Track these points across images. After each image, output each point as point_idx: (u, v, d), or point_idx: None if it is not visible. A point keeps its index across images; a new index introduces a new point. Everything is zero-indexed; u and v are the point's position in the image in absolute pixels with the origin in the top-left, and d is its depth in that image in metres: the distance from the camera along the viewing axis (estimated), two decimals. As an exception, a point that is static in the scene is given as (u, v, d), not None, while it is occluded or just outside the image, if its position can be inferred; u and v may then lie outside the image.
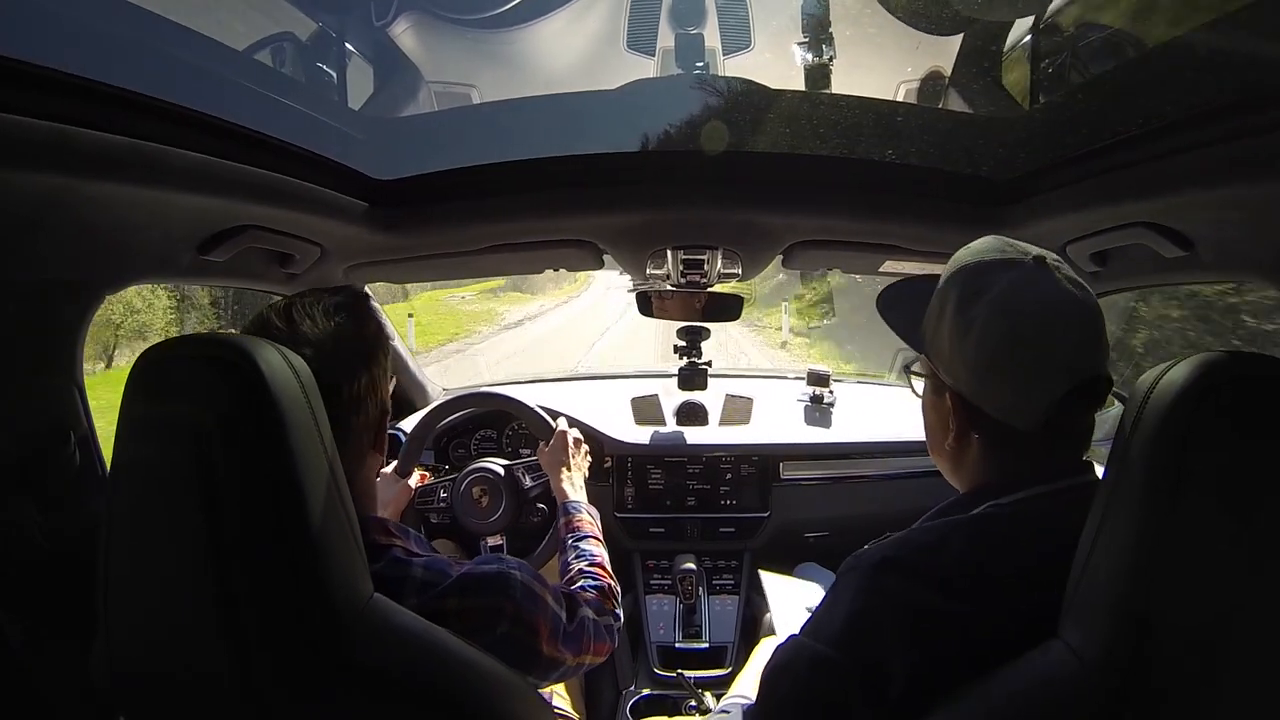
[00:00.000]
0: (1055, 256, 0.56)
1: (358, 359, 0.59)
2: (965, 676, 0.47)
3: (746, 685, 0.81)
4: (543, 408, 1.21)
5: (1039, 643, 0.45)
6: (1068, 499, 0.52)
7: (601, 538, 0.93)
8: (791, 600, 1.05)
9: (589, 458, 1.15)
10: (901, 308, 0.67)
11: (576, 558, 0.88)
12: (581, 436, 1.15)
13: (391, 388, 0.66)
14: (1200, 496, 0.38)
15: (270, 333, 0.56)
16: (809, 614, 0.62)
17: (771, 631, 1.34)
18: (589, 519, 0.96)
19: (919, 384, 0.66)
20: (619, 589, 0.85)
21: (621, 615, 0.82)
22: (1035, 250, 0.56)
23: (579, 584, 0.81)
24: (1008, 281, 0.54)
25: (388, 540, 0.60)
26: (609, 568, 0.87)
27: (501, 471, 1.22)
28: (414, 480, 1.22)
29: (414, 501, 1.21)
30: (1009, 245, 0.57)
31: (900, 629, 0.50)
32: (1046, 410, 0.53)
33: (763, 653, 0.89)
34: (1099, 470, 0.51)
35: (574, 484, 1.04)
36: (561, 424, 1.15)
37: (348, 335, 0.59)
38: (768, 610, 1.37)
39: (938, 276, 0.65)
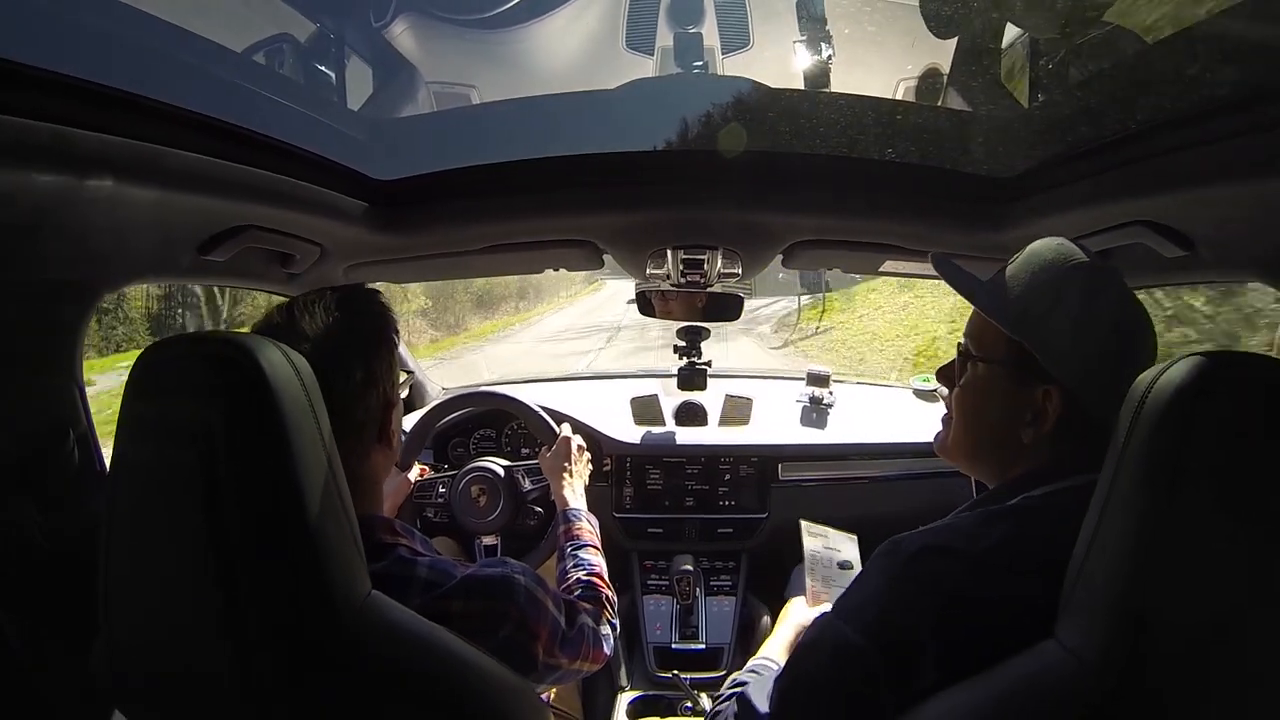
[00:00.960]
0: None
1: (354, 352, 0.59)
2: (990, 660, 0.46)
3: (775, 649, 0.81)
4: (545, 408, 1.21)
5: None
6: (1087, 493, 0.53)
7: (600, 547, 0.94)
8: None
9: (590, 465, 1.15)
10: (971, 283, 0.65)
11: (575, 566, 0.88)
12: (584, 444, 1.15)
13: (404, 383, 0.66)
14: (1197, 496, 0.38)
15: (271, 329, 0.57)
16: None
17: (769, 633, 1.34)
18: (589, 528, 0.96)
19: (974, 377, 0.63)
20: (616, 600, 0.85)
21: (618, 625, 0.82)
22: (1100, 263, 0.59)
23: (577, 593, 0.82)
24: (1118, 284, 0.57)
25: (393, 539, 0.60)
26: (607, 578, 0.87)
27: (502, 472, 1.22)
28: (413, 474, 1.22)
29: (412, 495, 1.22)
30: (1079, 251, 0.60)
31: (932, 619, 0.51)
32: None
33: (793, 612, 0.88)
34: None
35: (575, 491, 1.05)
36: (565, 430, 1.15)
37: (345, 329, 0.59)
38: (765, 612, 1.37)
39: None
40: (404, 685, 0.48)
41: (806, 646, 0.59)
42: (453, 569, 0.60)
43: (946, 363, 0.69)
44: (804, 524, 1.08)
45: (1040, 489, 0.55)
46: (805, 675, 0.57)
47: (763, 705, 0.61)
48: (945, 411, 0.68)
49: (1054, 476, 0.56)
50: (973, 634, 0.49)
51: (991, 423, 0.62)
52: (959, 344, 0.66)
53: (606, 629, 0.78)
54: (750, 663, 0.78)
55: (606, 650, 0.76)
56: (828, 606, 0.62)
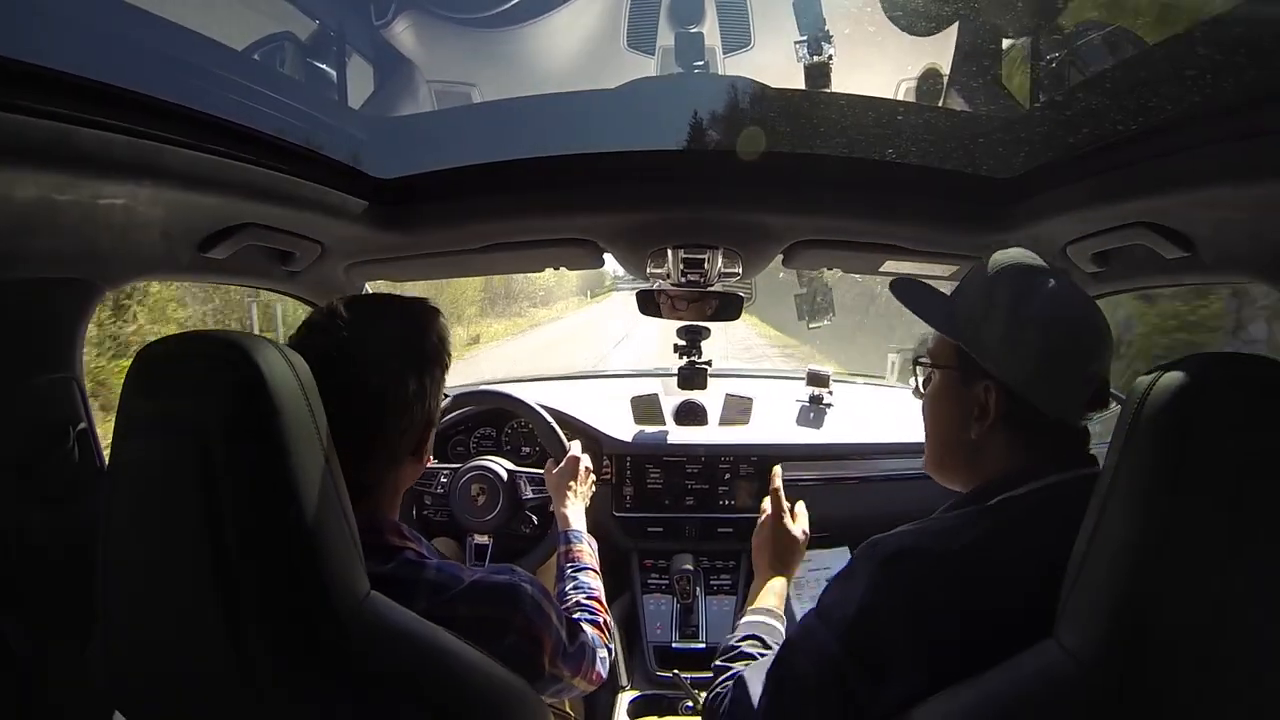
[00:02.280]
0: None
1: (411, 364, 0.60)
2: (977, 666, 0.47)
3: (770, 599, 0.81)
4: (553, 412, 1.21)
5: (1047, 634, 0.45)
6: (1079, 487, 0.53)
7: (599, 570, 0.94)
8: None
9: (594, 486, 1.15)
10: (923, 298, 0.69)
11: (575, 588, 0.88)
12: (591, 465, 1.15)
13: (445, 404, 0.67)
14: (1197, 496, 0.38)
15: (325, 328, 0.58)
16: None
17: None
18: (589, 550, 0.97)
19: (931, 386, 0.66)
20: (613, 625, 0.86)
21: (614, 649, 0.83)
22: (1054, 267, 0.60)
23: (575, 615, 0.82)
24: (1055, 284, 0.58)
25: (401, 543, 0.60)
26: (605, 602, 0.88)
27: (505, 475, 1.22)
28: None
29: (413, 483, 1.22)
30: (1033, 258, 0.61)
31: (908, 625, 0.51)
32: (1081, 405, 0.57)
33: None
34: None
35: (576, 511, 1.05)
36: (575, 448, 1.15)
37: (407, 340, 0.61)
38: None
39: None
40: (403, 685, 0.48)
41: (792, 644, 0.60)
42: (460, 573, 0.60)
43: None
44: None
45: (1022, 487, 0.56)
46: (791, 676, 0.59)
47: (756, 689, 0.62)
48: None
49: (1028, 478, 0.56)
50: (952, 639, 0.50)
51: (946, 425, 0.64)
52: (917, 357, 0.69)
53: (603, 651, 0.78)
54: (745, 620, 0.78)
55: (603, 672, 0.77)
56: None
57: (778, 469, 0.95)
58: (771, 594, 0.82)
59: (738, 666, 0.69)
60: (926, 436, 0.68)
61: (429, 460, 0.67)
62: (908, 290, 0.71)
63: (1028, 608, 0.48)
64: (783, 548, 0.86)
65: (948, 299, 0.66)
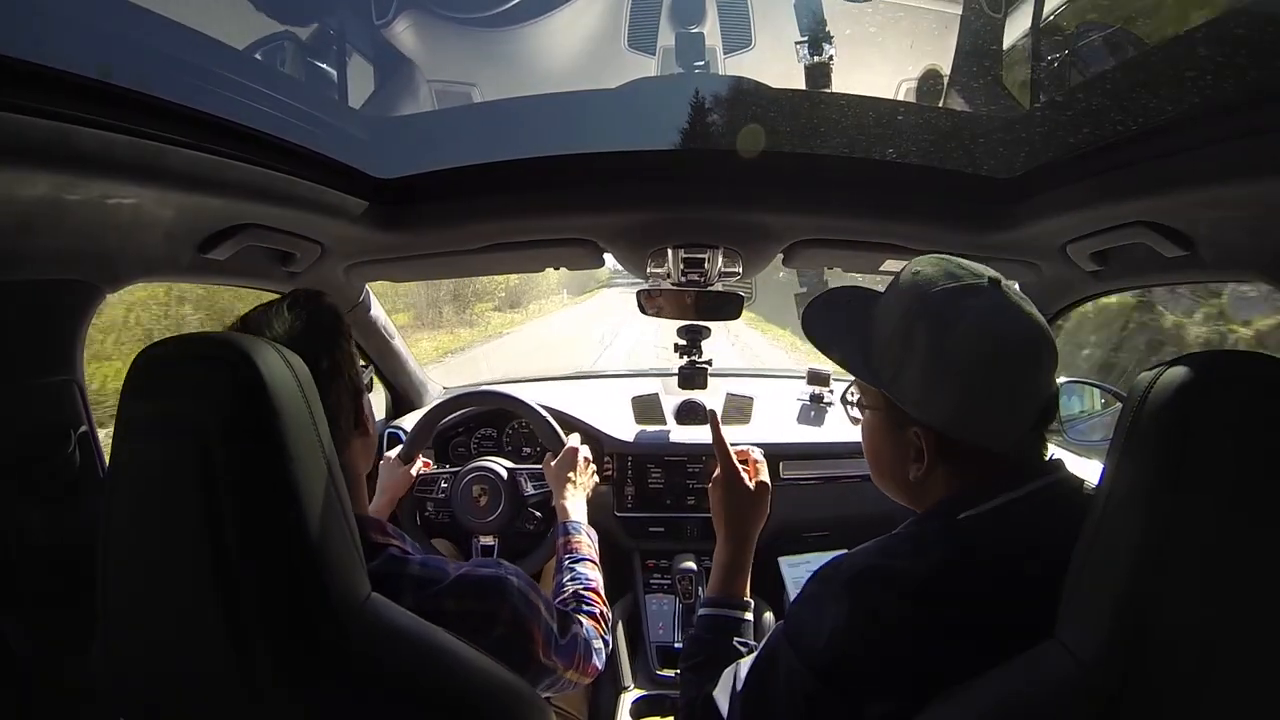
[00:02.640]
0: (998, 275, 0.56)
1: (317, 345, 0.59)
2: (950, 680, 0.47)
3: (731, 584, 0.77)
4: (552, 411, 1.21)
5: (1025, 644, 0.45)
6: (1041, 499, 0.53)
7: (598, 561, 0.94)
8: None
9: (595, 477, 1.15)
10: (838, 339, 0.64)
11: (572, 580, 0.88)
12: (590, 455, 1.15)
13: (365, 369, 0.66)
14: (1199, 496, 0.38)
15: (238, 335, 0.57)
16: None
17: (769, 632, 1.34)
18: (587, 542, 0.96)
19: (857, 412, 0.64)
20: (610, 615, 0.85)
21: (610, 641, 0.83)
22: (985, 271, 0.56)
23: (572, 606, 0.82)
24: (979, 314, 0.53)
25: (384, 540, 0.60)
26: (603, 593, 0.88)
27: (505, 474, 1.22)
28: (416, 468, 1.22)
29: (414, 488, 1.22)
30: (958, 267, 0.56)
31: (879, 647, 0.51)
32: (1024, 432, 0.54)
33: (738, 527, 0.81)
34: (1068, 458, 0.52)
35: (577, 502, 1.05)
36: (573, 440, 1.15)
37: (303, 325, 0.60)
38: (767, 609, 1.37)
39: (856, 293, 0.64)
40: (406, 687, 0.48)
41: (762, 661, 0.59)
42: (445, 567, 0.60)
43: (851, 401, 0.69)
44: (781, 560, 1.08)
45: (985, 504, 0.54)
46: (763, 696, 0.58)
47: (724, 707, 0.62)
48: None
49: (984, 497, 0.54)
50: (926, 657, 0.50)
51: (884, 463, 0.62)
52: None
53: (599, 643, 0.78)
54: (706, 614, 0.74)
55: (598, 664, 0.76)
56: None
57: (714, 411, 0.92)
58: (734, 573, 0.76)
59: (703, 676, 0.67)
60: (869, 464, 0.65)
61: (373, 432, 0.66)
62: (821, 320, 0.65)
63: (1005, 623, 0.47)
64: (738, 506, 0.78)
65: (865, 330, 0.61)
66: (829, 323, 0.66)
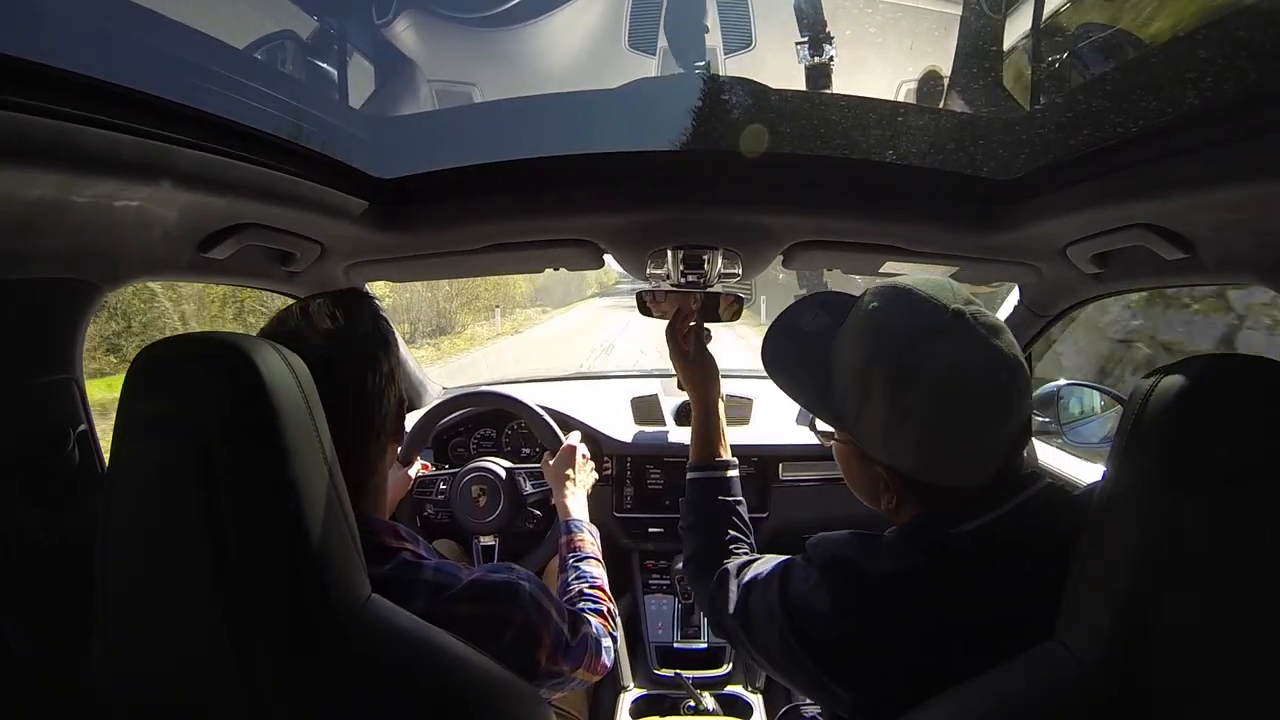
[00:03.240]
0: (967, 300, 0.54)
1: (377, 350, 0.61)
2: (928, 682, 0.47)
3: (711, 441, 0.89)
4: (550, 411, 1.21)
5: (1015, 649, 0.45)
6: (1024, 512, 0.53)
7: (601, 559, 0.94)
8: None
9: (594, 474, 1.15)
10: (796, 373, 0.63)
11: (577, 578, 0.88)
12: (589, 453, 1.15)
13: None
14: (1199, 498, 0.38)
15: (289, 330, 0.58)
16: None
17: None
18: (590, 539, 0.96)
19: (833, 449, 0.64)
20: (616, 612, 0.86)
21: (619, 637, 0.83)
22: (949, 299, 0.53)
23: (578, 605, 0.82)
24: (942, 358, 0.51)
25: (398, 544, 0.60)
26: (608, 590, 0.88)
27: (503, 474, 1.22)
28: (414, 470, 1.22)
29: (413, 491, 1.22)
30: (921, 300, 0.53)
31: (855, 636, 0.53)
32: (997, 466, 0.53)
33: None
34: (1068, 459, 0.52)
35: (577, 500, 1.04)
36: (573, 438, 1.15)
37: (363, 329, 0.61)
38: None
39: (820, 314, 0.64)
40: (405, 688, 0.48)
41: (762, 581, 0.63)
42: (458, 572, 0.60)
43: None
44: None
45: (961, 526, 0.53)
46: (755, 610, 0.62)
47: (734, 594, 0.67)
48: None
49: (963, 520, 0.53)
50: (894, 656, 0.51)
51: (856, 487, 0.63)
52: None
53: (608, 640, 0.78)
54: (690, 478, 0.85)
55: (607, 661, 0.77)
56: None
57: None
58: (707, 437, 0.87)
59: (696, 534, 0.80)
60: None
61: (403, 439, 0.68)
62: (782, 349, 0.65)
63: (990, 630, 0.48)
64: (692, 375, 0.94)
65: (826, 362, 0.59)
66: (790, 352, 0.65)
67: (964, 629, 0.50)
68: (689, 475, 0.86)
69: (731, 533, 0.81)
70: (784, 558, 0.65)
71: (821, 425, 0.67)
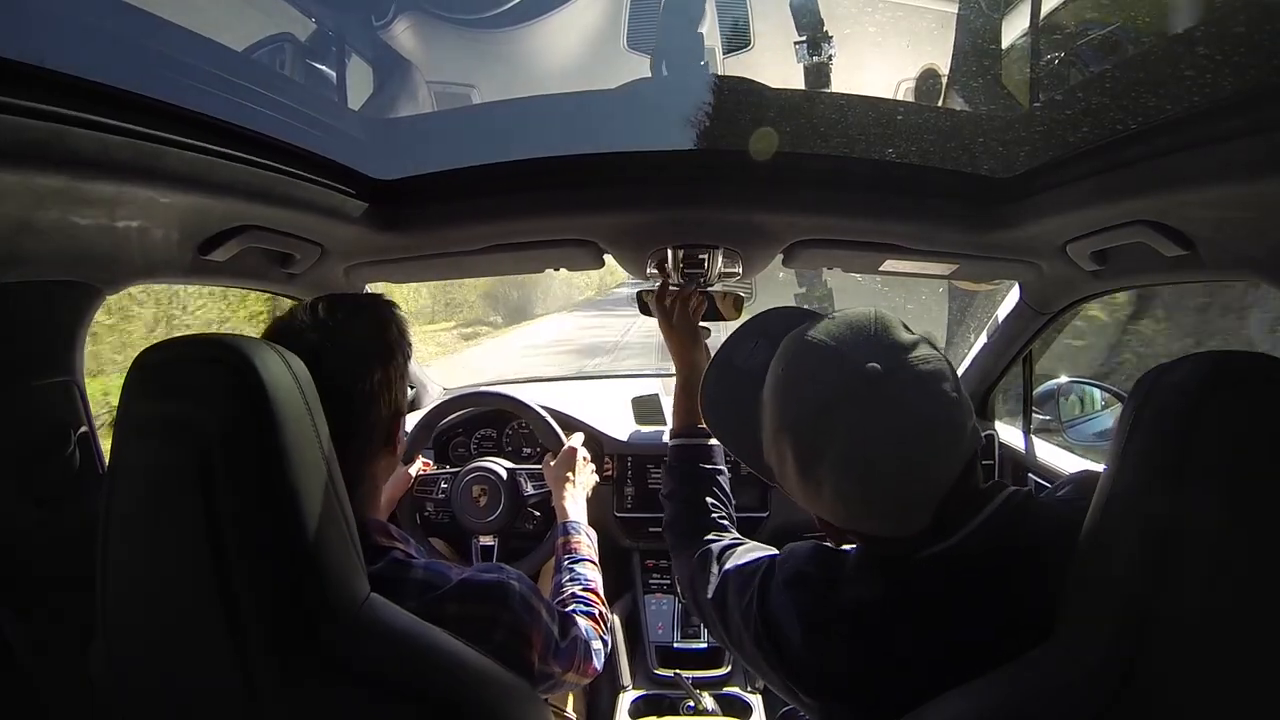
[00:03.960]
0: (887, 353, 0.49)
1: (374, 356, 0.61)
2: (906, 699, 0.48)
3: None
4: (552, 411, 1.21)
5: (1003, 658, 0.45)
6: (986, 530, 0.51)
7: (597, 562, 0.94)
8: None
9: (595, 476, 1.15)
10: (722, 412, 0.63)
11: (571, 580, 0.88)
12: (589, 455, 1.15)
13: (409, 396, 0.68)
14: (1199, 496, 0.38)
15: (294, 326, 0.59)
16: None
17: None
18: (586, 541, 0.96)
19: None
20: (609, 616, 0.86)
21: (610, 641, 0.83)
22: (865, 358, 0.50)
23: (570, 607, 0.82)
24: (847, 429, 0.48)
25: (389, 543, 0.60)
26: (601, 593, 0.88)
27: (504, 474, 1.22)
28: (414, 469, 1.23)
29: (413, 489, 1.22)
30: (831, 360, 0.50)
31: (800, 638, 0.54)
32: (935, 509, 0.50)
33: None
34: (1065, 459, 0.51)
35: (576, 502, 1.04)
36: (575, 440, 1.15)
37: (367, 333, 0.62)
38: None
39: (760, 345, 0.63)
40: (403, 687, 0.48)
41: (743, 579, 0.63)
42: (448, 571, 0.60)
43: None
44: None
45: (920, 552, 0.52)
46: (731, 604, 0.62)
47: (714, 579, 0.67)
48: None
49: (920, 547, 0.52)
50: (829, 674, 0.53)
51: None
52: None
53: (599, 644, 0.78)
54: (678, 444, 0.86)
55: (597, 665, 0.77)
56: None
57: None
58: (690, 405, 0.87)
59: (676, 500, 0.81)
60: None
61: (400, 451, 0.68)
62: (711, 406, 0.67)
63: (964, 647, 0.48)
64: (679, 343, 0.95)
65: (756, 415, 0.57)
66: (721, 391, 0.66)
67: (930, 653, 0.50)
68: (670, 442, 0.87)
69: (710, 500, 0.81)
70: (766, 556, 0.65)
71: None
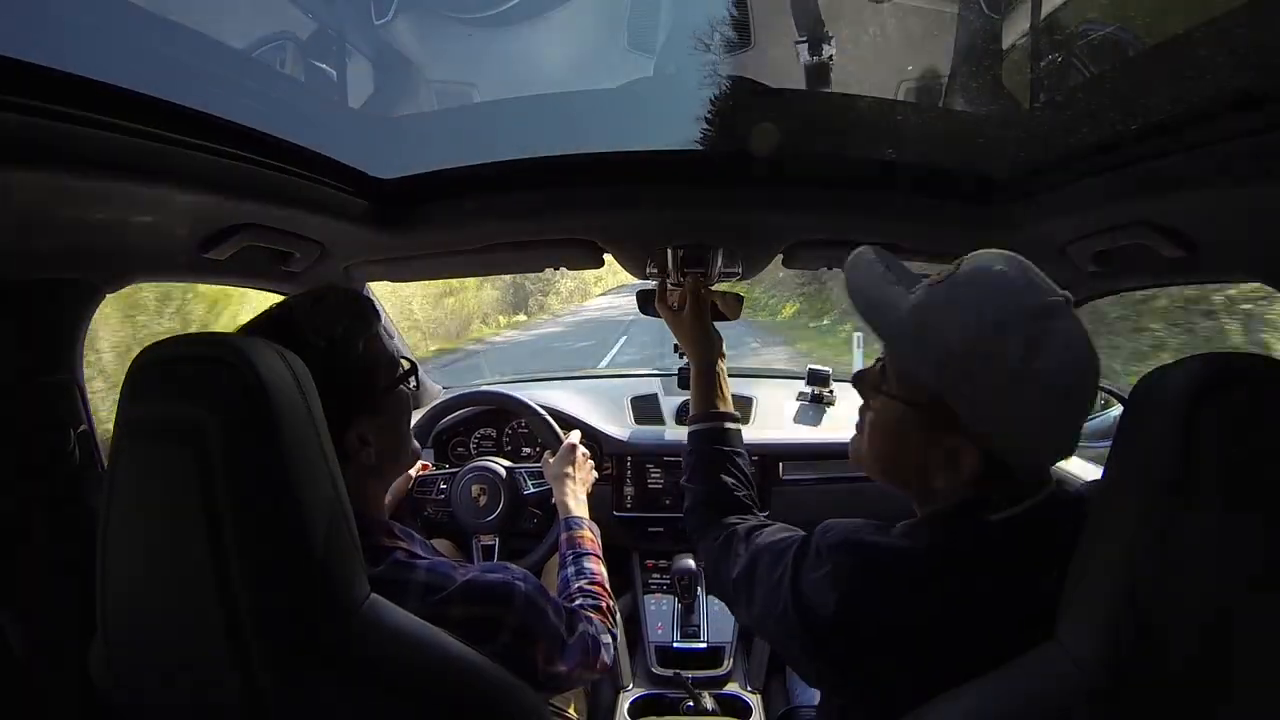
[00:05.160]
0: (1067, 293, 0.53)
1: (335, 351, 0.60)
2: (944, 670, 0.47)
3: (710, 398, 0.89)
4: (551, 410, 1.21)
5: (1028, 643, 0.45)
6: (1051, 503, 0.54)
7: (601, 556, 0.94)
8: None
9: (595, 473, 1.15)
10: (886, 309, 0.58)
11: (577, 574, 0.88)
12: (589, 451, 1.15)
13: (408, 372, 0.68)
14: (1200, 496, 0.38)
15: (275, 329, 0.58)
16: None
17: None
18: (590, 536, 0.96)
19: (882, 411, 0.59)
20: (616, 609, 0.86)
21: (618, 635, 0.83)
22: (1055, 287, 0.52)
23: (578, 601, 0.82)
24: (1064, 333, 0.50)
25: (391, 543, 0.60)
26: (608, 587, 0.88)
27: (504, 473, 1.22)
28: (414, 469, 1.22)
29: (413, 490, 1.22)
30: (1034, 274, 0.52)
31: (871, 623, 0.52)
32: (1065, 457, 0.54)
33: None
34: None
35: (577, 498, 1.04)
36: (573, 437, 1.15)
37: (347, 327, 0.61)
38: None
39: (894, 268, 0.61)
40: (404, 688, 0.48)
41: (774, 554, 0.62)
42: (452, 572, 0.60)
43: (861, 371, 0.63)
44: None
45: (1006, 511, 0.53)
46: (761, 579, 0.62)
47: (742, 558, 0.67)
48: (858, 418, 0.64)
49: (997, 508, 0.53)
50: (911, 642, 0.51)
51: (898, 461, 0.58)
52: (879, 357, 0.61)
53: (607, 638, 0.78)
54: (699, 429, 0.86)
55: (607, 659, 0.76)
56: None
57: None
58: (705, 393, 0.87)
59: (696, 483, 0.81)
60: (868, 451, 0.61)
61: (397, 445, 0.67)
62: (868, 296, 0.60)
63: (1011, 621, 0.48)
64: (693, 340, 0.93)
65: (926, 320, 0.55)
66: (872, 302, 0.60)
67: (970, 617, 0.50)
68: (689, 428, 0.87)
69: (730, 480, 0.81)
70: (798, 534, 0.64)
71: (883, 387, 0.58)
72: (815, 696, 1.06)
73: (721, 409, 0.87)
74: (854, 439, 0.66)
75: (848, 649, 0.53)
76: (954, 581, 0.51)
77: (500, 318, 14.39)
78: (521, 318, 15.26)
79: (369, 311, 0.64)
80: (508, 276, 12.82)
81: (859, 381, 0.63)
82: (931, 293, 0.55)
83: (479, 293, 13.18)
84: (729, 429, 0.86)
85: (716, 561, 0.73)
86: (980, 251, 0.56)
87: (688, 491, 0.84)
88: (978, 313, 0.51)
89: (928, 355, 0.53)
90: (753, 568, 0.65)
